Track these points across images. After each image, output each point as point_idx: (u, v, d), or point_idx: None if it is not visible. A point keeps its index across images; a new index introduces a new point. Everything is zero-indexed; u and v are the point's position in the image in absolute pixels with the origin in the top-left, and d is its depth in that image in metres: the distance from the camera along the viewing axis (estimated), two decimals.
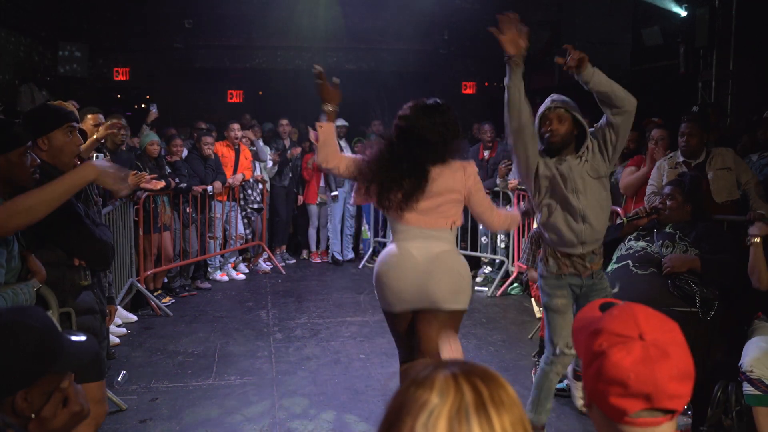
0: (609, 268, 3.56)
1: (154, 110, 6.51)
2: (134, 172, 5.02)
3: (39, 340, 1.19)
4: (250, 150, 6.92)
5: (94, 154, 3.94)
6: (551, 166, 2.93)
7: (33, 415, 1.18)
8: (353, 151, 7.66)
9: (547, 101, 3.01)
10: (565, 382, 3.88)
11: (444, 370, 0.81)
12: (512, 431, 0.78)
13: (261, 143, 7.09)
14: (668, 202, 3.55)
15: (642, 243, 3.53)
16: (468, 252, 6.78)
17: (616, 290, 3.30)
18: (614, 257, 3.62)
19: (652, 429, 1.06)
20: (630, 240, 3.60)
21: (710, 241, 3.38)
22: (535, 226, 5.42)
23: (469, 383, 0.79)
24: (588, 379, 1.09)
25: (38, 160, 2.38)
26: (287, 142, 7.40)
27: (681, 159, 4.27)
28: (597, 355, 1.07)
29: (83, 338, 1.43)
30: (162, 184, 5.33)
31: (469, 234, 6.79)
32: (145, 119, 6.56)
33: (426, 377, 0.81)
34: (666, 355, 1.03)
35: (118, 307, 5.03)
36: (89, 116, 4.28)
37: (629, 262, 3.44)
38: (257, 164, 7.06)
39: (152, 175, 5.20)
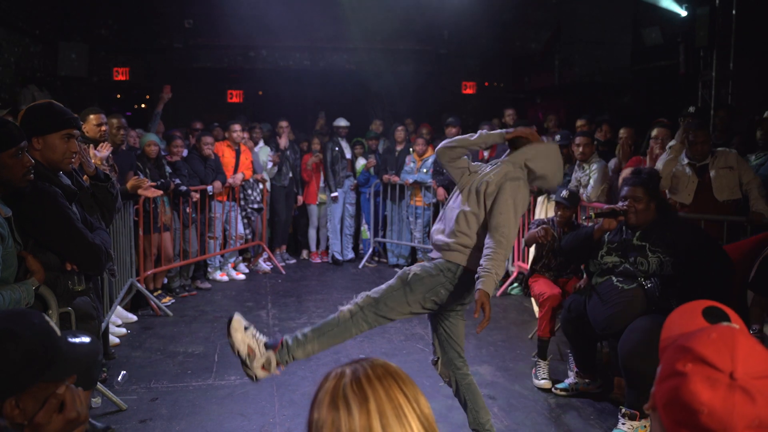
0: (594, 281, 3.53)
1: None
2: (135, 177, 5.02)
3: (28, 349, 1.16)
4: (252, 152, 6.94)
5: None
6: None
7: (26, 422, 1.15)
8: (353, 152, 7.67)
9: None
10: (566, 381, 3.88)
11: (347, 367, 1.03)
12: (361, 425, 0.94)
13: (271, 165, 7.17)
14: (636, 206, 3.35)
15: (615, 258, 3.43)
16: None
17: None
18: (596, 270, 3.55)
19: None
20: (603, 255, 3.48)
21: (685, 246, 3.25)
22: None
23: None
24: (660, 391, 1.03)
25: (32, 161, 2.35)
26: (284, 142, 7.38)
27: (686, 161, 4.29)
28: (678, 374, 0.99)
29: (86, 340, 1.38)
30: (159, 192, 5.31)
31: None
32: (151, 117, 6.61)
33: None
34: (752, 401, 0.93)
35: (119, 307, 5.03)
36: (92, 116, 4.27)
37: (612, 277, 3.42)
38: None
39: (151, 183, 5.20)
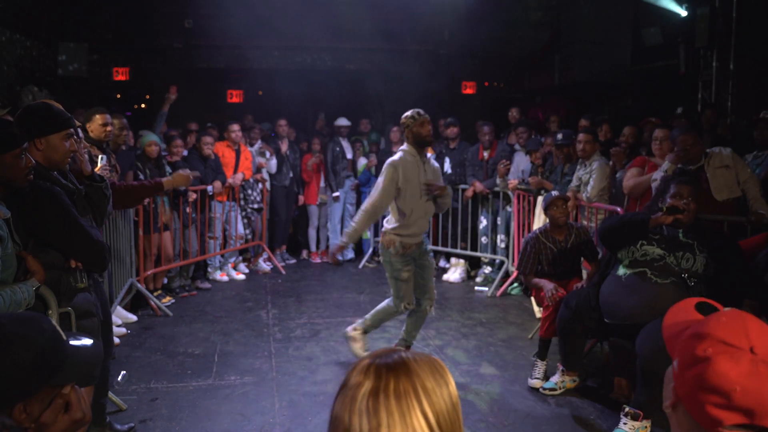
0: (621, 272, 3.48)
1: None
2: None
3: (37, 355, 1.15)
4: (252, 151, 6.93)
5: (98, 156, 3.94)
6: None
7: (32, 424, 1.15)
8: (354, 151, 7.66)
9: None
10: (552, 380, 3.87)
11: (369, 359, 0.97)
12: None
13: (274, 161, 7.18)
14: (692, 204, 3.42)
15: (659, 250, 3.42)
16: (468, 252, 6.79)
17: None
18: (626, 260, 3.50)
19: None
20: (644, 245, 3.47)
21: (728, 255, 3.36)
22: (535, 226, 5.43)
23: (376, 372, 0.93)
24: (683, 382, 1.04)
25: (33, 162, 2.37)
26: (285, 143, 7.39)
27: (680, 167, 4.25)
28: (700, 360, 1.01)
29: (89, 343, 1.37)
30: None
31: (469, 234, 6.79)
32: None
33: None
34: None
35: (118, 307, 5.04)
36: (97, 116, 4.25)
37: (647, 270, 3.40)
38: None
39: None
